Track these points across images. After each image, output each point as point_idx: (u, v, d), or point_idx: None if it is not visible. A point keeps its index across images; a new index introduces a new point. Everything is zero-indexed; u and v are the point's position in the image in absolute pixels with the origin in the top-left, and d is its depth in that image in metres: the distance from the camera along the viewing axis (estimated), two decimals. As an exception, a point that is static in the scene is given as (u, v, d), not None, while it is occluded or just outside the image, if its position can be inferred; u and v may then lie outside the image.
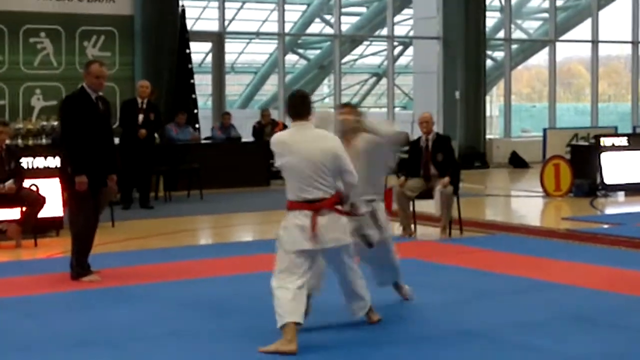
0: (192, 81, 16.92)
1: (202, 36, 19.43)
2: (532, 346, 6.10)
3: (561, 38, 23.82)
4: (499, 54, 24.53)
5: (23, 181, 10.67)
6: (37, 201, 10.59)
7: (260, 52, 26.71)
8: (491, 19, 23.48)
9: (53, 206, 11.05)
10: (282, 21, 19.79)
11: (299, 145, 6.18)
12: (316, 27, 25.42)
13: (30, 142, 13.70)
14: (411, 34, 24.72)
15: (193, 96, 16.91)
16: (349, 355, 5.97)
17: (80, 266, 8.44)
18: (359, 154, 6.84)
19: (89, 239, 8.50)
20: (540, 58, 26.05)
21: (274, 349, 5.92)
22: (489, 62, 22.99)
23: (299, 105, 6.35)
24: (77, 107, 8.45)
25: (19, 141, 13.54)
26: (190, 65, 16.90)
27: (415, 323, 6.80)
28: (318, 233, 6.11)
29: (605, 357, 5.94)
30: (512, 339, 6.31)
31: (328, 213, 6.18)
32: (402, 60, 26.77)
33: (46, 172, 11.27)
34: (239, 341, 6.26)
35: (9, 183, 10.46)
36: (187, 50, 16.87)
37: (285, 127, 18.00)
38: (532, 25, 26.74)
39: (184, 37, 16.85)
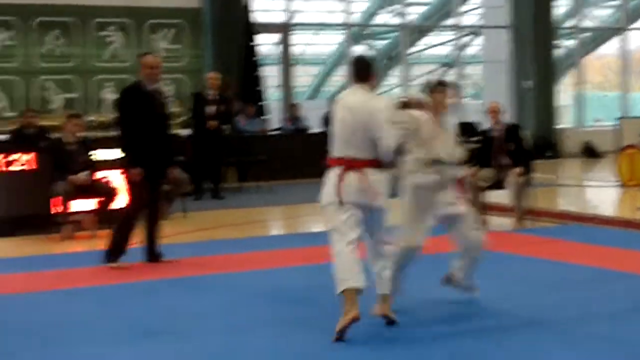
0: (258, 73, 16.96)
1: (268, 28, 19.47)
2: (606, 337, 5.98)
3: (633, 26, 23.37)
4: (569, 43, 24.17)
5: (96, 173, 10.79)
6: (110, 192, 10.70)
7: (327, 43, 26.68)
8: (561, 7, 23.14)
9: (125, 197, 11.13)
10: (348, 12, 19.73)
11: (348, 104, 6.28)
12: (383, 17, 25.31)
13: (102, 134, 13.86)
14: (479, 23, 24.49)
15: (259, 88, 16.95)
16: (415, 349, 5.90)
17: (112, 251, 8.57)
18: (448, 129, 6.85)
19: (129, 229, 8.60)
20: (614, 46, 25.62)
21: (339, 328, 5.91)
22: (559, 51, 22.68)
23: (357, 69, 6.43)
24: (132, 100, 8.51)
25: (92, 133, 13.72)
26: (256, 57, 16.94)
27: (486, 314, 6.70)
28: (345, 187, 6.15)
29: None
30: (585, 330, 6.18)
31: (361, 173, 6.18)
32: (471, 50, 26.54)
33: (118, 164, 11.36)
34: (311, 331, 6.23)
35: (84, 175, 10.59)
36: (254, 42, 16.91)
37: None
38: (603, 13, 26.29)
39: (251, 29, 16.89)
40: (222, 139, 14.12)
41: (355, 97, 6.32)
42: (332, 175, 6.26)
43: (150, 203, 8.69)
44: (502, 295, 7.26)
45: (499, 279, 7.84)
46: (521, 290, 7.46)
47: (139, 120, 8.45)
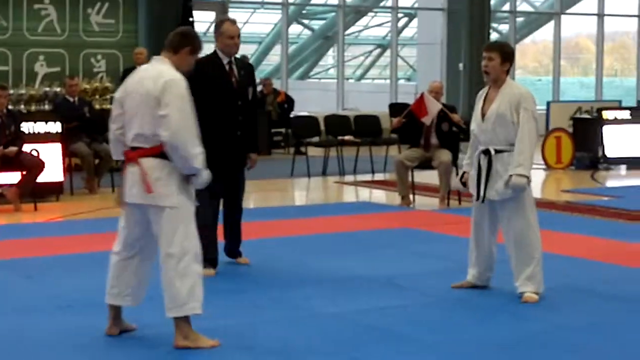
0: (195, 50, 16.89)
1: (206, 5, 19.38)
2: (532, 316, 6.14)
3: (567, 11, 23.72)
4: (504, 27, 24.45)
5: (23, 145, 10.70)
6: (37, 165, 10.62)
7: (265, 22, 26.64)
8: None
9: (53, 171, 11.09)
10: (286, -9, 19.75)
11: (133, 81, 5.36)
12: (321, -3, 25.35)
13: (33, 108, 13.73)
14: (416, 5, 24.65)
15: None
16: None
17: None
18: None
19: (205, 231, 6.65)
20: (549, 32, 26.00)
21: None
22: (494, 35, 22.92)
23: (169, 39, 5.46)
24: (205, 75, 7.04)
25: (22, 106, 13.58)
26: (192, 34, 16.86)
27: (414, 290, 6.82)
28: (125, 184, 5.34)
29: (592, 326, 5.96)
30: (501, 307, 6.33)
31: (137, 164, 5.24)
32: (407, 32, 26.71)
33: (47, 137, 11.32)
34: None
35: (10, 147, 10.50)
36: (191, 19, 16.83)
37: (287, 96, 17.99)
38: (538, -1, 26.63)
39: (188, 5, 16.80)
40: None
41: (146, 72, 5.34)
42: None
43: (228, 197, 7.37)
44: (425, 271, 7.42)
45: (423, 257, 7.99)
46: (443, 267, 7.59)
47: (209, 99, 6.88)
